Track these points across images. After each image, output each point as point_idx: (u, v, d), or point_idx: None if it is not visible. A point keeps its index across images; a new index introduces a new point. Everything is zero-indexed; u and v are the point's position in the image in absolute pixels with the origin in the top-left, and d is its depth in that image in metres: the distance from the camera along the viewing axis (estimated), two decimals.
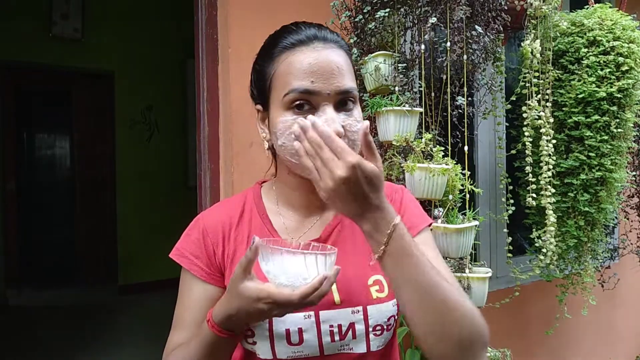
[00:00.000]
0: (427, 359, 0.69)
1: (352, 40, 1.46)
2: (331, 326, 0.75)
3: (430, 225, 0.85)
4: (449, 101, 1.40)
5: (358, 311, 0.76)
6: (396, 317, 0.80)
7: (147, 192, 4.75)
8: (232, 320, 0.68)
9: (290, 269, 0.62)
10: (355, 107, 0.75)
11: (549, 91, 1.63)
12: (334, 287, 0.76)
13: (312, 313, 0.75)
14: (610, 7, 1.75)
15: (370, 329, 0.77)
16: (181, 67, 4.80)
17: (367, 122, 0.65)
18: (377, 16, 1.38)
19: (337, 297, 0.76)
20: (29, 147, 5.03)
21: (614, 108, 1.66)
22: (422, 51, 1.37)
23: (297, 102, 0.72)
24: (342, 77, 0.73)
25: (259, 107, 0.81)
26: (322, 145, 0.62)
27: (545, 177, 1.58)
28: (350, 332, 0.76)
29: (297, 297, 0.61)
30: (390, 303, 0.78)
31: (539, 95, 1.60)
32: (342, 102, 0.73)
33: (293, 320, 0.74)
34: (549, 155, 1.58)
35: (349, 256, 0.78)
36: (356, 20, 1.45)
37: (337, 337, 0.76)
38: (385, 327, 0.78)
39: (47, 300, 4.57)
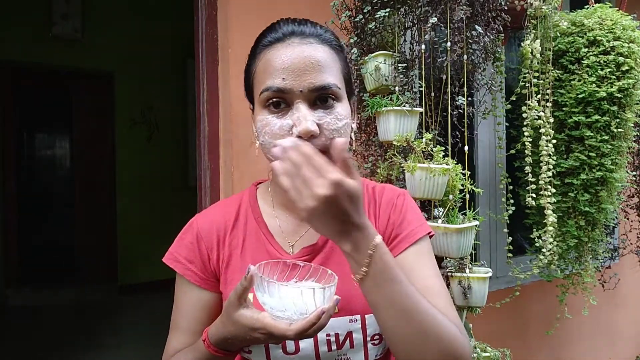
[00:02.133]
0: None
1: (352, 40, 1.46)
2: (328, 335, 0.73)
3: (430, 234, 0.81)
4: (449, 101, 1.40)
5: (356, 320, 0.74)
6: None
7: (147, 192, 4.75)
8: (228, 343, 0.68)
9: (286, 302, 0.60)
10: (337, 104, 0.71)
11: (549, 91, 1.63)
12: None
13: None
14: (610, 7, 1.75)
15: (369, 339, 0.75)
16: (181, 67, 4.80)
17: (345, 139, 0.61)
18: (377, 16, 1.38)
19: None
20: (29, 147, 5.03)
21: (614, 108, 1.66)
22: (422, 51, 1.37)
23: (272, 101, 0.70)
24: (318, 73, 0.69)
25: (250, 106, 0.80)
26: (302, 164, 0.58)
27: (545, 177, 1.58)
28: (347, 342, 0.74)
29: (293, 333, 0.59)
30: None
31: (539, 95, 1.60)
32: (321, 98, 0.70)
33: None
34: (549, 155, 1.58)
35: (346, 263, 0.77)
36: (356, 20, 1.44)
37: (334, 347, 0.74)
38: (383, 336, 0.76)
39: (47, 300, 4.57)
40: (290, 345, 0.73)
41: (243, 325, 0.63)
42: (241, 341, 0.66)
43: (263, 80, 0.71)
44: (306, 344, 0.73)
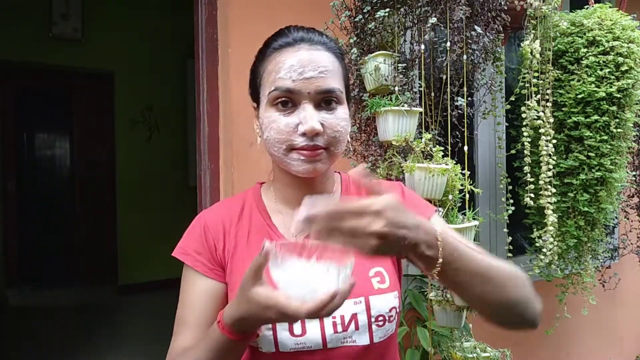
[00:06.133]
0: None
1: (352, 40, 1.46)
2: (334, 317, 0.76)
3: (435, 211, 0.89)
4: (448, 101, 1.40)
5: (360, 302, 0.77)
6: (397, 310, 0.80)
7: (147, 192, 4.75)
8: (243, 323, 0.67)
9: (300, 279, 0.59)
10: (339, 106, 0.78)
11: (548, 91, 1.63)
12: None
13: None
14: (610, 7, 1.75)
15: (373, 319, 0.77)
16: (181, 67, 4.80)
17: (359, 168, 0.61)
18: (377, 16, 1.38)
19: None
20: (29, 147, 5.02)
21: (614, 108, 1.66)
22: (422, 51, 1.37)
23: (280, 100, 0.76)
24: (324, 77, 0.76)
25: (254, 104, 0.85)
26: (337, 219, 0.56)
27: (545, 177, 1.58)
28: (352, 323, 0.77)
29: (303, 313, 0.58)
30: (392, 294, 0.79)
31: (539, 95, 1.60)
32: (325, 101, 0.76)
33: None
34: (549, 155, 1.58)
35: None
36: (356, 20, 1.45)
37: (339, 328, 0.76)
38: (387, 318, 0.78)
39: (47, 300, 4.57)
40: (297, 327, 0.75)
41: (257, 303, 0.62)
42: (255, 321, 0.65)
43: (273, 80, 0.76)
44: (312, 326, 0.76)
